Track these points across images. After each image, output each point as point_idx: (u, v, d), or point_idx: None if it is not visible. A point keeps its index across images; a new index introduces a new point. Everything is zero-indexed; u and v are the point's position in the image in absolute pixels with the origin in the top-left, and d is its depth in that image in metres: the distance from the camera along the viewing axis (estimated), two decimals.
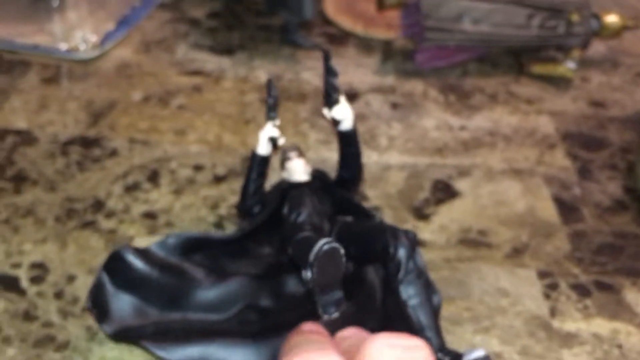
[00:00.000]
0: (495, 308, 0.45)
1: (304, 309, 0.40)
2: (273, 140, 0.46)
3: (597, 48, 0.75)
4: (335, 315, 0.35)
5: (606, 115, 0.65)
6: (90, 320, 0.42)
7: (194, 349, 0.38)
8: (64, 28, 0.70)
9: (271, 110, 0.46)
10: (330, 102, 0.46)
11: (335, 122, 0.47)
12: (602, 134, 0.63)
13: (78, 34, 0.69)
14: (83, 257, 0.46)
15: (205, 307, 0.40)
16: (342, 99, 0.46)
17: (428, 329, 0.36)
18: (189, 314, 0.40)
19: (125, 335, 0.39)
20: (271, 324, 0.39)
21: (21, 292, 0.44)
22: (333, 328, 0.36)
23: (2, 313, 0.42)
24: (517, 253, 0.49)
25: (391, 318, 0.39)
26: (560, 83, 0.70)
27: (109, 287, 0.39)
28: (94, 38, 0.69)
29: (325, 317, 0.35)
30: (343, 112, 0.46)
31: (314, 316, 0.39)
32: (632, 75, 0.72)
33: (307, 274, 0.34)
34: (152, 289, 0.40)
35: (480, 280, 0.47)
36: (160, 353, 0.38)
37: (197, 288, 0.41)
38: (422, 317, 0.36)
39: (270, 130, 0.46)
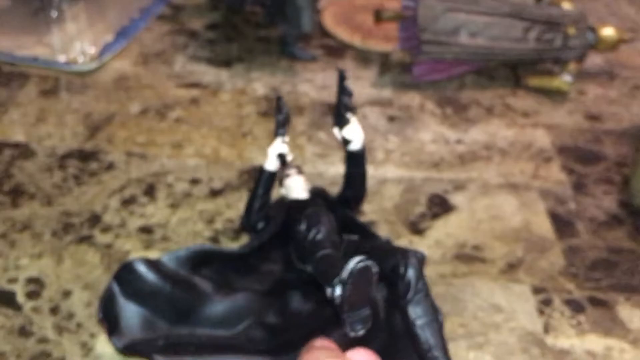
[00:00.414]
0: (489, 324, 0.45)
1: (309, 327, 0.40)
2: (282, 157, 0.47)
3: (594, 61, 0.76)
4: (362, 332, 0.34)
5: (602, 129, 0.66)
6: (85, 337, 0.42)
7: None
8: (63, 40, 0.70)
9: (281, 127, 0.47)
10: (342, 122, 0.46)
11: (345, 143, 0.47)
12: (597, 148, 0.63)
13: (77, 46, 0.69)
14: (79, 272, 0.47)
15: (214, 322, 0.40)
16: (354, 119, 0.46)
17: (435, 349, 0.36)
18: (198, 329, 0.40)
19: (135, 349, 0.39)
20: (278, 342, 0.40)
21: (17, 307, 0.44)
22: (340, 345, 0.36)
23: None
24: (511, 268, 0.49)
25: (397, 337, 0.39)
26: (556, 96, 0.70)
27: (120, 297, 0.40)
28: (92, 50, 0.69)
29: (352, 334, 0.34)
30: (354, 133, 0.46)
31: (320, 333, 0.39)
32: (629, 88, 0.72)
33: (336, 292, 0.34)
34: (162, 301, 0.40)
35: (474, 296, 0.47)
36: None
37: (206, 303, 0.41)
38: (429, 336, 0.36)
39: (279, 146, 0.47)
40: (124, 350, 0.38)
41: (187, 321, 0.40)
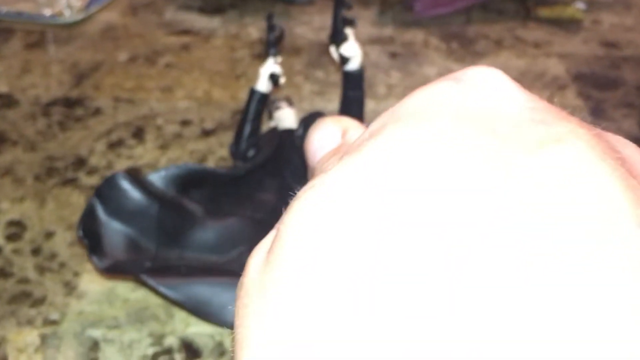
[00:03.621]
0: None
1: None
2: (274, 78, 0.43)
3: None
4: None
5: (620, 55, 0.61)
6: (68, 275, 0.39)
7: (198, 288, 0.34)
8: None
9: (272, 46, 0.43)
10: (339, 39, 0.42)
11: (343, 61, 0.43)
12: (615, 74, 0.59)
13: (62, 0, 0.66)
14: (62, 213, 0.44)
15: (204, 247, 0.37)
16: (352, 36, 0.42)
17: None
18: (187, 252, 0.37)
19: (120, 270, 0.35)
20: None
21: None
22: None
23: None
24: None
25: None
26: (569, 26, 0.66)
27: (101, 214, 0.36)
28: (78, 3, 0.66)
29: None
30: (352, 50, 0.43)
31: None
32: None
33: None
34: (148, 221, 0.37)
35: None
36: (162, 289, 0.34)
37: (195, 226, 0.38)
38: None
39: (271, 66, 0.43)
40: (107, 270, 0.35)
41: (176, 244, 0.37)
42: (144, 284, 0.35)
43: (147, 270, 0.34)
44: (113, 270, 0.35)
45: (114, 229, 0.36)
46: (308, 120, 0.38)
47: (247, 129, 0.43)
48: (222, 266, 0.36)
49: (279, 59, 0.43)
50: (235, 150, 0.44)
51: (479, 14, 0.67)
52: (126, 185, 0.36)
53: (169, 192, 0.38)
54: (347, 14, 0.42)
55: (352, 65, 0.44)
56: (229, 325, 0.34)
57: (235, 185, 0.41)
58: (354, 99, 0.45)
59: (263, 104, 0.44)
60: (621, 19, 0.67)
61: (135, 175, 0.38)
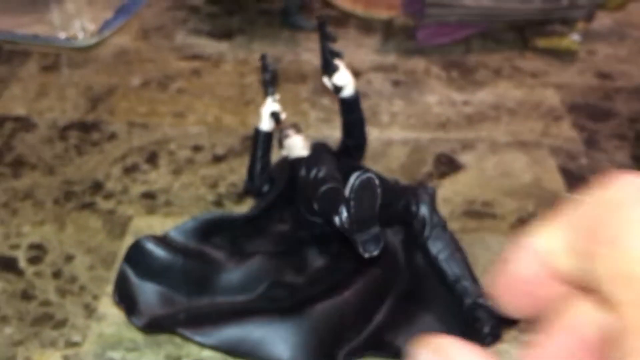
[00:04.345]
0: None
1: (329, 281, 0.39)
2: (275, 115, 0.46)
3: (603, 21, 0.74)
4: (376, 252, 0.32)
5: (613, 87, 0.64)
6: (87, 299, 0.41)
7: (230, 330, 0.37)
8: (62, 18, 0.70)
9: (269, 85, 0.45)
10: (330, 69, 0.45)
11: (336, 90, 0.46)
12: (609, 105, 0.61)
13: (76, 23, 0.69)
14: (81, 237, 0.46)
15: (232, 289, 0.39)
16: (342, 65, 0.45)
17: (464, 279, 0.35)
18: (217, 297, 0.39)
19: (157, 325, 0.38)
20: (301, 298, 0.39)
21: (19, 272, 0.43)
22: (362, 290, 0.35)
23: (0, 293, 0.42)
24: (522, 223, 0.48)
25: (420, 278, 0.38)
26: (565, 57, 0.68)
27: (133, 278, 0.39)
28: (92, 26, 0.68)
29: (367, 255, 0.32)
30: (344, 78, 0.45)
31: (342, 287, 0.38)
32: None
33: (342, 216, 0.31)
34: (177, 275, 0.39)
35: (484, 250, 0.46)
36: (198, 338, 0.37)
37: (221, 271, 0.40)
38: (455, 268, 0.35)
39: (270, 105, 0.46)
40: (146, 328, 0.38)
41: (205, 291, 0.39)
42: (181, 336, 0.37)
43: (182, 322, 0.37)
44: (151, 327, 0.37)
45: (147, 289, 0.38)
46: (310, 161, 0.40)
47: (258, 166, 0.46)
48: (251, 304, 0.38)
49: (277, 96, 0.45)
50: (250, 188, 0.46)
51: (478, 43, 0.70)
52: (151, 246, 0.39)
53: (191, 244, 0.40)
54: (333, 46, 0.44)
55: (347, 92, 0.46)
56: (258, 357, 0.37)
57: (253, 224, 0.43)
58: (354, 122, 0.47)
59: (269, 141, 0.46)
60: (615, 50, 0.70)
61: (158, 236, 0.40)
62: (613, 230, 0.14)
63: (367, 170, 0.32)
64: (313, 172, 0.38)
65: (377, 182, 0.31)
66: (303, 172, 0.40)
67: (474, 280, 0.34)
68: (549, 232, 0.16)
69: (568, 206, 0.15)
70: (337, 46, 0.45)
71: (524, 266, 0.16)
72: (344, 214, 0.31)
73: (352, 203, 0.31)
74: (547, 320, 0.17)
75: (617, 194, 0.14)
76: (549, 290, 0.16)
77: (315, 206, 0.36)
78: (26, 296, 0.42)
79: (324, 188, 0.35)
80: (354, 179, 0.30)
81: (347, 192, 0.30)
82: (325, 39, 0.44)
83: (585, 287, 0.15)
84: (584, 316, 0.16)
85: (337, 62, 0.44)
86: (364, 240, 0.32)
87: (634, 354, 0.13)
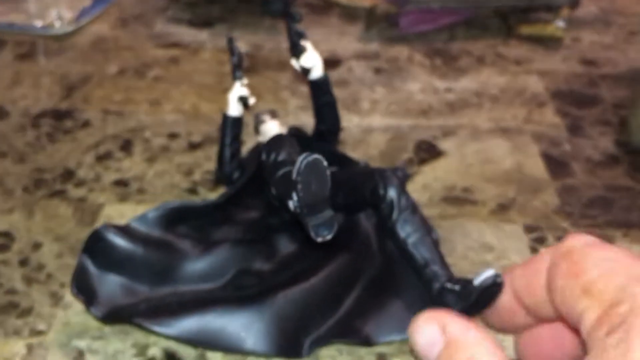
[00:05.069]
0: (479, 262, 0.43)
1: (299, 267, 0.38)
2: (243, 100, 0.45)
3: (589, 9, 0.73)
4: (329, 237, 0.31)
5: (598, 73, 0.63)
6: (55, 286, 0.40)
7: (189, 320, 0.36)
8: (39, 6, 0.69)
9: (237, 69, 0.44)
10: (297, 51, 0.44)
11: (305, 72, 0.44)
12: (593, 91, 0.61)
13: (53, 12, 0.67)
14: (50, 225, 0.45)
15: (197, 278, 0.38)
16: (309, 46, 0.44)
17: (433, 263, 0.33)
18: (180, 286, 0.38)
19: (116, 316, 0.37)
20: (268, 285, 0.38)
21: None
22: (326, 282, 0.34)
23: None
24: (503, 209, 0.47)
25: (392, 262, 0.38)
26: (550, 43, 0.67)
27: (93, 269, 0.38)
28: (69, 14, 0.67)
29: (319, 239, 0.31)
30: (311, 60, 0.44)
31: (309, 273, 0.37)
32: (625, 34, 0.70)
33: (294, 199, 0.31)
34: (139, 266, 0.38)
35: (464, 237, 0.45)
36: (156, 328, 0.36)
37: (185, 260, 0.39)
38: (424, 252, 0.34)
39: (238, 89, 0.44)
40: (104, 318, 0.37)
41: (169, 281, 0.38)
42: (140, 327, 0.36)
43: (142, 312, 0.36)
44: (110, 317, 0.36)
45: (107, 280, 0.37)
46: (270, 145, 0.39)
47: (227, 153, 0.44)
48: (215, 292, 0.37)
49: (245, 81, 0.44)
50: (221, 175, 0.45)
51: (462, 30, 0.69)
52: (110, 236, 0.38)
53: (154, 233, 0.39)
54: (298, 27, 0.43)
55: (315, 74, 0.45)
56: (225, 349, 0.36)
57: (220, 211, 0.42)
58: (325, 104, 0.46)
59: (238, 127, 0.45)
60: (600, 36, 0.69)
61: (118, 225, 0.39)
62: (571, 267, 0.20)
63: (312, 152, 0.30)
64: (272, 156, 0.37)
65: (325, 163, 0.30)
66: (264, 156, 0.39)
67: (443, 264, 0.33)
68: (518, 274, 0.23)
69: (534, 256, 0.22)
70: (319, 34, 0.44)
71: (504, 298, 0.24)
72: (294, 197, 0.30)
73: (299, 186, 0.29)
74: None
75: (570, 244, 0.21)
76: (520, 317, 0.23)
77: (273, 190, 0.35)
78: None
79: (280, 172, 0.34)
80: (299, 161, 0.29)
81: (294, 174, 0.29)
82: (291, 19, 0.43)
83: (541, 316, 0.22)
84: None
85: (304, 43, 0.43)
86: (316, 225, 0.30)
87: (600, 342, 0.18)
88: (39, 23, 0.66)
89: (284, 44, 0.67)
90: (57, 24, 0.66)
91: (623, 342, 0.16)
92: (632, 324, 0.16)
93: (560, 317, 0.21)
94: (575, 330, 0.20)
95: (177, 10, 0.72)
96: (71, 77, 0.60)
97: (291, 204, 0.31)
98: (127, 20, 0.69)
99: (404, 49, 0.66)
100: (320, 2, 0.74)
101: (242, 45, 0.44)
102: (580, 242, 0.21)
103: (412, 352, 0.23)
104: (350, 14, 0.72)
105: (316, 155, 0.29)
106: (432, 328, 0.21)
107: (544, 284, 0.21)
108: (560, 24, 0.67)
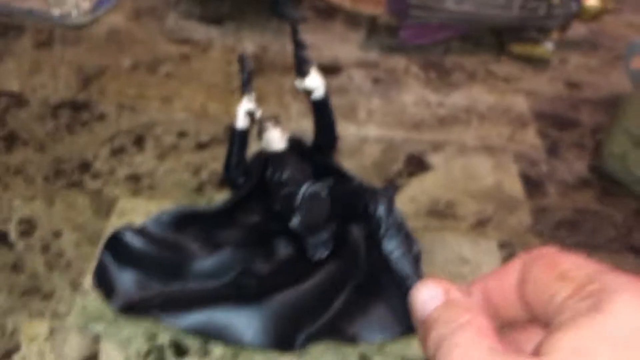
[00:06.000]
0: (456, 275, 0.48)
1: (294, 271, 0.43)
2: (250, 114, 0.49)
3: (578, 30, 0.77)
4: (324, 255, 0.37)
5: (580, 97, 0.68)
6: (74, 274, 0.45)
7: (199, 315, 0.41)
8: None
9: (246, 85, 0.48)
10: (302, 72, 0.48)
11: (307, 92, 0.49)
12: (574, 115, 0.65)
13: (70, 0, 0.70)
14: (69, 214, 0.49)
15: (204, 276, 0.43)
16: (313, 70, 0.48)
17: (410, 279, 0.38)
18: (189, 283, 0.43)
19: (132, 308, 0.42)
20: (268, 286, 0.42)
21: (10, 245, 0.46)
22: (318, 285, 0.39)
23: None
24: (481, 224, 0.52)
25: (378, 272, 0.43)
26: (538, 63, 0.72)
27: (112, 265, 0.43)
28: (86, 4, 0.70)
29: (316, 257, 0.37)
30: (314, 82, 0.48)
31: (306, 276, 0.42)
32: (610, 58, 0.74)
33: (296, 220, 0.36)
34: (153, 264, 0.43)
35: (444, 249, 0.50)
36: (169, 320, 0.41)
37: (194, 259, 0.44)
38: (404, 267, 0.39)
39: (246, 104, 0.48)
40: (122, 309, 0.42)
41: (179, 278, 0.43)
42: (154, 318, 0.42)
43: (155, 305, 0.41)
44: (127, 309, 0.42)
45: (125, 275, 0.42)
46: (274, 163, 0.44)
47: (234, 160, 0.49)
48: (220, 290, 0.42)
49: (253, 95, 0.48)
50: (227, 179, 0.50)
51: (457, 45, 0.73)
52: (129, 236, 0.43)
53: (166, 234, 0.44)
54: (305, 53, 0.48)
55: (317, 95, 0.49)
56: (227, 341, 0.41)
57: (226, 216, 0.46)
58: (324, 125, 0.50)
59: (244, 138, 0.49)
60: (587, 59, 0.73)
61: (135, 227, 0.44)
62: (547, 262, 0.23)
63: (315, 182, 0.36)
64: (277, 175, 0.42)
65: (324, 193, 0.35)
66: (269, 172, 0.43)
67: (420, 278, 0.39)
68: (490, 276, 0.24)
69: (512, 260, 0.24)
70: (323, 40, 0.48)
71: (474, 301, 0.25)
72: (297, 219, 0.35)
73: (302, 212, 0.35)
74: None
75: (543, 249, 0.24)
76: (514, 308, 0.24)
77: (277, 207, 0.40)
78: (16, 268, 0.45)
79: (283, 192, 0.39)
80: (304, 190, 0.34)
81: (298, 201, 0.35)
82: (297, 45, 0.47)
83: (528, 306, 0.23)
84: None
85: (309, 66, 0.47)
86: (314, 244, 0.36)
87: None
88: (56, 11, 0.69)
89: (290, 47, 0.71)
90: (74, 13, 0.69)
91: (593, 308, 0.19)
92: (601, 297, 0.19)
93: (526, 319, 0.23)
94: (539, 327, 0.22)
95: (189, 4, 0.75)
96: (87, 69, 0.64)
97: (292, 223, 0.36)
98: (140, 13, 0.72)
99: (402, 59, 0.70)
100: (326, 6, 0.77)
101: (249, 46, 0.48)
102: (551, 249, 0.24)
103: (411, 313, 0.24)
104: (353, 21, 0.75)
105: (317, 187, 0.34)
106: (435, 288, 0.23)
107: (514, 283, 0.23)
108: (549, 45, 0.71)
